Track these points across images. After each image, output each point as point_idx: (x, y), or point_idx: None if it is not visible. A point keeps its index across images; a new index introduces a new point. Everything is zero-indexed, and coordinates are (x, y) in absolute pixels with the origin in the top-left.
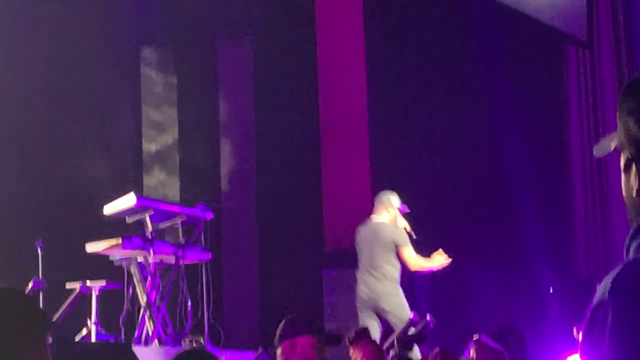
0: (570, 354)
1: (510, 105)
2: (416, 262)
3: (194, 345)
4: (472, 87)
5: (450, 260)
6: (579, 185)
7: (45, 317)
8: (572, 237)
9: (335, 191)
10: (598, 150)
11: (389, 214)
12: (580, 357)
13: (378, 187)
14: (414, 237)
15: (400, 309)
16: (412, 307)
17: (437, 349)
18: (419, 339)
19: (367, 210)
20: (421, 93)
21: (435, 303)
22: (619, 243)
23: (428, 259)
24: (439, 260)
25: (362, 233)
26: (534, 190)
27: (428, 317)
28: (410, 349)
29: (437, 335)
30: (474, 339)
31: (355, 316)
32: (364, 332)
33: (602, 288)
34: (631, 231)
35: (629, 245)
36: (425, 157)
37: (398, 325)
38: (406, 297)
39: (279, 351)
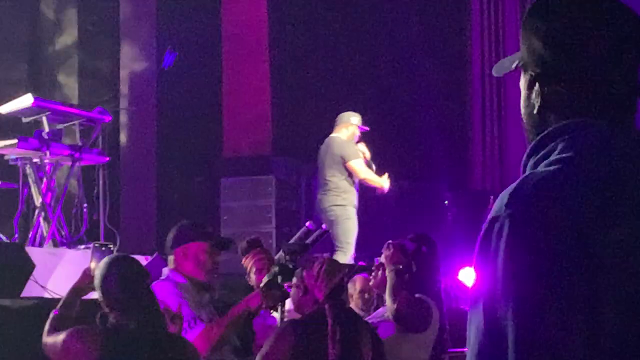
0: (464, 267)
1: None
2: (366, 173)
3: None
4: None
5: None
6: (477, 99)
7: None
8: (468, 149)
9: (235, 98)
10: (497, 70)
11: (347, 130)
12: (475, 270)
13: (277, 95)
14: (373, 166)
15: (345, 221)
16: (309, 217)
17: (325, 256)
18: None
19: (266, 117)
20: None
21: None
22: (514, 157)
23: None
24: (386, 180)
25: (320, 150)
26: (431, 103)
27: (324, 226)
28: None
29: (333, 244)
30: (394, 243)
31: (251, 223)
32: (255, 241)
33: (499, 202)
34: (528, 149)
35: (526, 163)
36: (325, 67)
37: (340, 235)
38: (304, 207)
39: (171, 257)
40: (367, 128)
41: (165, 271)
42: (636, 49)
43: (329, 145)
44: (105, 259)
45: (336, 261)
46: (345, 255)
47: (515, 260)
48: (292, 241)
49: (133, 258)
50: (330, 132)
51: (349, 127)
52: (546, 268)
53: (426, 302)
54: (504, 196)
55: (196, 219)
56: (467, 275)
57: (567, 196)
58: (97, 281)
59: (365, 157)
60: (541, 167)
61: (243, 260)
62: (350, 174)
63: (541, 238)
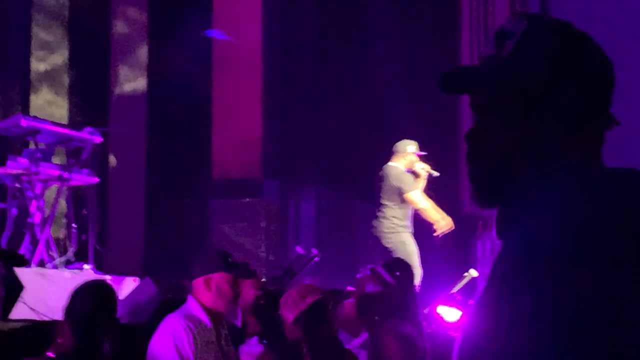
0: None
1: (403, 34)
2: (421, 203)
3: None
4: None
5: (450, 228)
6: (465, 121)
7: None
8: (455, 174)
9: (225, 120)
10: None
11: (405, 160)
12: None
13: (268, 117)
14: (435, 174)
15: (402, 246)
16: (297, 242)
17: (307, 281)
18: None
19: (256, 139)
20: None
21: (321, 237)
22: None
23: (440, 210)
24: (443, 222)
25: (377, 177)
26: (417, 125)
27: (314, 250)
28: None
29: (323, 269)
30: (369, 268)
31: (240, 245)
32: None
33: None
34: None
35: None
36: (316, 89)
37: None
38: (291, 231)
39: (193, 284)
40: (424, 153)
41: (188, 298)
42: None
43: (387, 175)
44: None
45: (310, 286)
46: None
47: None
48: (285, 266)
49: (104, 284)
50: (318, 156)
51: (405, 156)
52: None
53: (412, 340)
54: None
55: (184, 241)
56: (446, 308)
57: None
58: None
59: (428, 171)
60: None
61: None
62: (405, 202)
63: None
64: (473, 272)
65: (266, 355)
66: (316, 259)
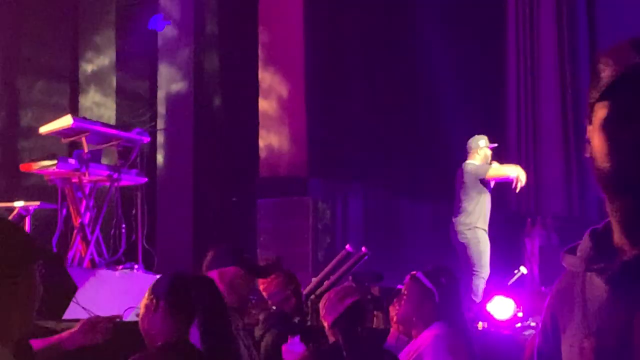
0: (497, 294)
1: (447, 40)
2: (503, 169)
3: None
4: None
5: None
6: (512, 121)
7: (33, 244)
8: None
9: (271, 119)
10: None
11: (479, 155)
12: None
13: (313, 115)
14: None
15: (475, 244)
16: (345, 240)
17: (348, 281)
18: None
19: (302, 138)
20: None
21: (369, 235)
22: (549, 181)
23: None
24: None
25: (456, 175)
26: (468, 125)
27: (363, 249)
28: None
29: (372, 267)
30: (412, 274)
31: (287, 244)
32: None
33: None
34: None
35: None
36: (361, 87)
37: (474, 258)
38: (340, 230)
39: None
40: (495, 145)
41: None
42: None
43: (464, 172)
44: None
45: (349, 287)
46: (479, 277)
47: None
48: (331, 264)
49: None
50: (365, 154)
51: (479, 151)
52: None
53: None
54: None
55: (234, 240)
56: (497, 306)
57: None
58: None
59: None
60: None
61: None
62: (480, 198)
63: None
64: (523, 269)
65: (308, 356)
66: (365, 257)
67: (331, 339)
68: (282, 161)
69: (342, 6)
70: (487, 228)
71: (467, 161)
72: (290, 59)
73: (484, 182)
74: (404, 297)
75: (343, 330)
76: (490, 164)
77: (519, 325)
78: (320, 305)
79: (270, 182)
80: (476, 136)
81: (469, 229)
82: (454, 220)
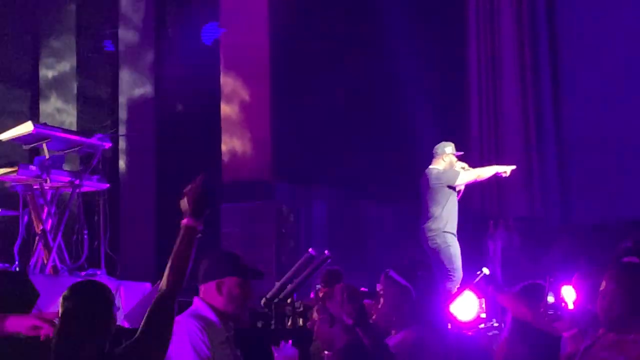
0: (464, 290)
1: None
2: (476, 172)
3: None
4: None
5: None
6: (474, 122)
7: None
8: None
9: (234, 123)
10: None
11: (444, 161)
12: None
13: (277, 119)
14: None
15: (446, 248)
16: (309, 244)
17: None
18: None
19: (266, 142)
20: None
21: (333, 239)
22: (511, 182)
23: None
24: (502, 168)
25: (420, 182)
26: (431, 127)
27: (326, 252)
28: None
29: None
30: (386, 273)
31: (251, 249)
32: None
33: None
34: None
35: None
36: (326, 90)
37: (445, 262)
38: (304, 233)
39: (202, 288)
40: (461, 153)
41: (195, 301)
42: None
43: (428, 177)
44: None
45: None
46: (453, 281)
47: None
48: (294, 267)
49: (100, 283)
50: (329, 158)
51: (444, 157)
52: None
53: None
54: None
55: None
56: (461, 307)
57: None
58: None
59: (465, 169)
60: None
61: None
62: (447, 203)
63: None
64: (485, 271)
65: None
66: (329, 260)
67: (340, 340)
68: (246, 165)
69: (307, 9)
70: (455, 231)
71: (432, 166)
72: (254, 62)
73: (452, 187)
74: (382, 297)
75: (365, 324)
76: (463, 168)
77: (482, 326)
78: (331, 304)
79: (234, 186)
80: (443, 142)
81: (438, 234)
82: (423, 226)
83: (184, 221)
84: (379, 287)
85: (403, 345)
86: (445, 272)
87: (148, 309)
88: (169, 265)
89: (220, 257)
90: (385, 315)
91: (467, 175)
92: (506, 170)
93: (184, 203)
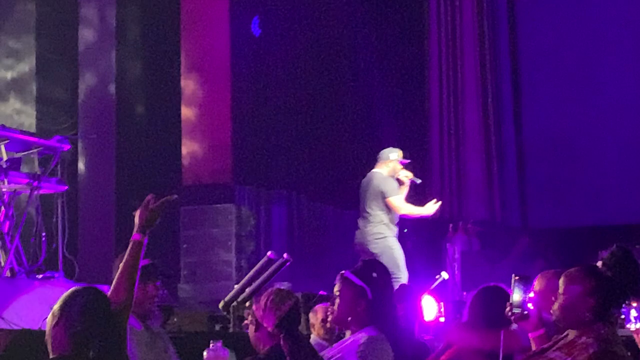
0: (424, 294)
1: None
2: (405, 209)
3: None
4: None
5: (439, 204)
6: (435, 129)
7: None
8: (426, 177)
9: (194, 126)
10: None
11: (387, 167)
12: None
13: (238, 122)
14: (418, 181)
15: (389, 251)
16: (269, 247)
17: (274, 287)
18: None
19: (226, 145)
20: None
21: (293, 242)
22: (470, 186)
23: (419, 206)
24: (431, 207)
25: (362, 184)
26: (389, 130)
27: (285, 256)
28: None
29: (295, 273)
30: (341, 274)
31: (211, 251)
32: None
33: None
34: None
35: None
36: (286, 94)
37: (390, 264)
38: (263, 237)
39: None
40: (407, 161)
41: None
42: None
43: (370, 180)
44: (70, 290)
45: (285, 290)
46: (399, 282)
47: None
48: (253, 271)
49: (97, 289)
50: (290, 161)
51: (388, 163)
52: None
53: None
54: None
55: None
56: (427, 304)
57: None
58: (57, 311)
59: (410, 179)
60: None
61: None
62: (386, 206)
63: None
64: (444, 275)
65: None
66: (288, 264)
67: (265, 344)
68: (206, 168)
69: (269, 12)
70: (395, 234)
71: (375, 170)
72: (215, 65)
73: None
74: (337, 298)
75: (287, 331)
76: (407, 177)
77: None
78: (256, 308)
79: (194, 189)
80: (390, 148)
81: (380, 237)
82: (360, 229)
83: (135, 237)
84: (323, 293)
85: (358, 345)
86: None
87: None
88: (118, 276)
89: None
90: (342, 316)
91: (400, 203)
92: (433, 208)
93: (137, 216)
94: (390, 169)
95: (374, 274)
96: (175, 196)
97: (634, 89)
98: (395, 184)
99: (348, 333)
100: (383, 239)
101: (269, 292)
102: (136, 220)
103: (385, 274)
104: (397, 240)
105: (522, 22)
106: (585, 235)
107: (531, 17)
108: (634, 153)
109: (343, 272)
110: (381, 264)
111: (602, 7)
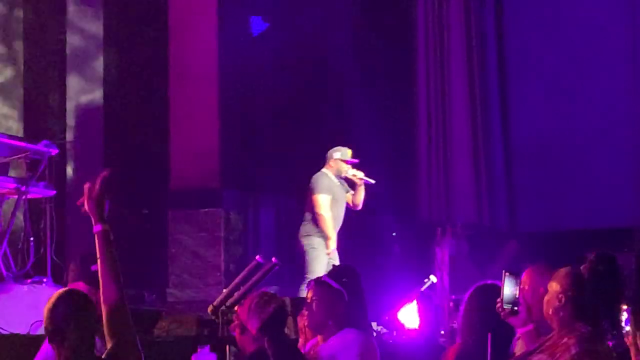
0: (408, 302)
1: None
2: (322, 211)
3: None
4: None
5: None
6: (422, 130)
7: None
8: (414, 181)
9: (182, 130)
10: None
11: (332, 166)
12: None
13: (226, 126)
14: (371, 182)
15: (310, 250)
16: (257, 251)
17: (260, 291)
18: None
19: (214, 149)
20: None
21: (281, 246)
22: (459, 189)
23: (334, 230)
24: (331, 245)
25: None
26: (377, 134)
27: (274, 260)
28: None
29: (283, 277)
30: (316, 279)
31: (199, 256)
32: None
33: None
34: None
35: None
36: (274, 98)
37: (306, 264)
38: (252, 241)
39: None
40: (355, 160)
41: None
42: None
43: (311, 180)
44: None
45: (269, 293)
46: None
47: None
48: (241, 275)
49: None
50: (277, 165)
51: (331, 163)
52: None
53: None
54: None
55: (145, 252)
56: (407, 314)
57: None
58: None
59: (362, 178)
60: None
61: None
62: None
63: None
64: (433, 278)
65: None
66: (276, 267)
67: (250, 347)
68: (194, 173)
69: (256, 18)
70: (322, 235)
71: (322, 170)
72: (202, 69)
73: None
74: (314, 302)
75: (271, 334)
76: (354, 176)
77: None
78: (241, 311)
79: (181, 193)
80: (336, 147)
81: (306, 235)
82: (300, 228)
83: (96, 228)
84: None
85: (339, 347)
86: (303, 274)
87: (107, 324)
88: (102, 276)
89: (78, 260)
90: (322, 319)
91: (322, 203)
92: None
93: (88, 209)
94: (335, 169)
95: (345, 279)
96: (107, 170)
97: (622, 93)
98: (329, 183)
99: (320, 338)
100: (307, 237)
101: (253, 296)
102: (89, 212)
103: (354, 275)
104: (322, 243)
105: (509, 26)
106: (574, 239)
107: (519, 21)
108: (622, 157)
109: (316, 277)
110: (352, 267)
111: (591, 11)
